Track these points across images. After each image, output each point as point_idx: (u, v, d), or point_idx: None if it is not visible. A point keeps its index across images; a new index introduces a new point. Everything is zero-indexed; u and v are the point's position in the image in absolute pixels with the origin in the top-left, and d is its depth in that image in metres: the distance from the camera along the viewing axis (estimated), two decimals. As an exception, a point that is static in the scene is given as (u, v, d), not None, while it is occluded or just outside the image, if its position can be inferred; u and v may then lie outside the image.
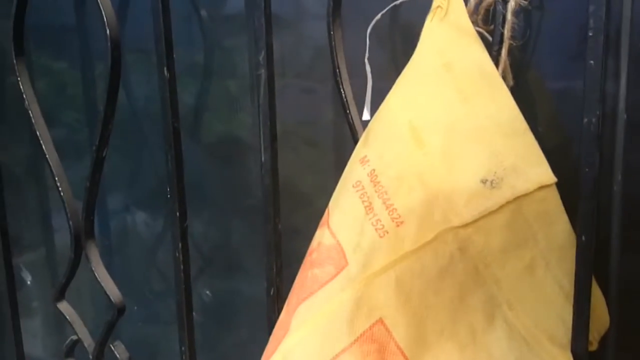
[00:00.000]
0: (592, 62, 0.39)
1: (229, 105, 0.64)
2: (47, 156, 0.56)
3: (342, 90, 0.46)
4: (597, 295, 0.43)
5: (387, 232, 0.41)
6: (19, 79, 0.57)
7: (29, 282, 0.78)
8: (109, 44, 0.53)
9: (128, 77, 0.69)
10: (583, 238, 0.40)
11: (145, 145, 0.71)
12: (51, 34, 0.75)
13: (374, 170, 0.42)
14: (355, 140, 0.46)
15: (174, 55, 0.53)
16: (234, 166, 0.64)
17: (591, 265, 0.40)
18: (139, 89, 0.70)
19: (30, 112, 0.57)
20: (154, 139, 0.70)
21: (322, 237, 0.44)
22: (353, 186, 0.43)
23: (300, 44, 0.58)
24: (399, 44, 0.53)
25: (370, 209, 0.42)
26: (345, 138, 0.56)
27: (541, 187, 0.41)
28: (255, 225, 0.63)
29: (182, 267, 0.52)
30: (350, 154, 0.45)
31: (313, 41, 0.57)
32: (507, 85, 0.42)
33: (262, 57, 0.47)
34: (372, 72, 0.45)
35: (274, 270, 0.49)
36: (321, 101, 0.58)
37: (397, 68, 0.46)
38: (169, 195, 0.52)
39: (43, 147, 0.56)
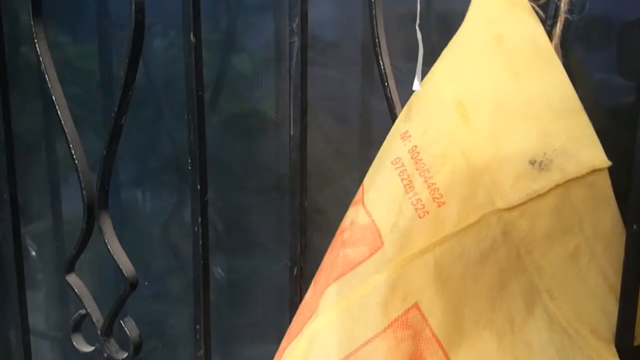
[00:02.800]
0: (654, 39, 0.35)
1: (252, 80, 0.60)
2: (62, 122, 0.52)
3: (380, 61, 0.41)
4: (643, 288, 0.39)
5: (428, 213, 0.37)
6: (35, 40, 0.53)
7: (33, 254, 0.73)
8: (132, 7, 0.48)
9: (147, 50, 0.65)
10: (634, 227, 0.36)
11: (161, 120, 0.66)
12: (71, 7, 0.71)
13: (415, 146, 0.38)
14: (393, 115, 0.42)
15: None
16: (253, 142, 0.60)
17: (641, 256, 0.37)
18: (158, 63, 0.65)
19: (46, 76, 0.53)
20: (170, 114, 0.66)
21: (355, 216, 0.40)
22: (392, 163, 0.39)
23: (332, 17, 0.53)
24: (435, 24, 0.49)
25: (410, 187, 0.38)
26: (374, 115, 0.52)
27: (592, 171, 0.37)
28: (272, 203, 0.59)
29: (201, 242, 0.48)
30: (379, 131, 0.41)
31: (345, 15, 0.53)
32: (558, 63, 0.38)
33: (296, 24, 0.43)
34: (403, 54, 0.41)
35: (299, 249, 0.45)
36: (350, 77, 0.53)
37: (432, 48, 0.42)
38: (190, 167, 0.48)
39: (59, 112, 0.52)
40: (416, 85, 0.35)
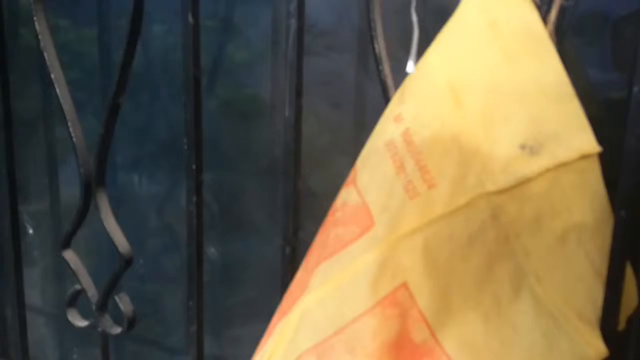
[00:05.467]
0: (647, 27, 0.35)
1: (249, 64, 0.60)
2: (61, 100, 0.52)
3: (375, 44, 0.41)
4: (627, 274, 0.39)
5: (418, 194, 0.37)
6: (35, 19, 0.52)
7: (30, 232, 0.73)
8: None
9: (145, 33, 0.64)
10: (622, 213, 0.36)
11: (159, 103, 0.66)
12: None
13: (408, 129, 0.38)
14: (387, 98, 0.42)
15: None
16: (249, 126, 0.60)
17: (627, 243, 0.37)
18: (157, 46, 0.65)
19: (45, 54, 0.52)
20: (169, 97, 0.65)
21: (347, 196, 0.40)
22: (384, 144, 0.39)
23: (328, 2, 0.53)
24: (431, 11, 0.48)
25: (401, 169, 0.38)
26: (367, 100, 0.52)
27: (582, 157, 0.37)
28: (267, 185, 0.59)
29: (195, 220, 0.48)
30: (372, 115, 0.40)
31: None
32: (551, 49, 0.38)
33: (293, 7, 0.43)
34: (398, 41, 0.41)
35: (291, 229, 0.45)
36: (345, 61, 0.53)
37: (427, 35, 0.42)
38: (185, 147, 0.48)
39: (58, 90, 0.51)
40: (410, 67, 0.34)
